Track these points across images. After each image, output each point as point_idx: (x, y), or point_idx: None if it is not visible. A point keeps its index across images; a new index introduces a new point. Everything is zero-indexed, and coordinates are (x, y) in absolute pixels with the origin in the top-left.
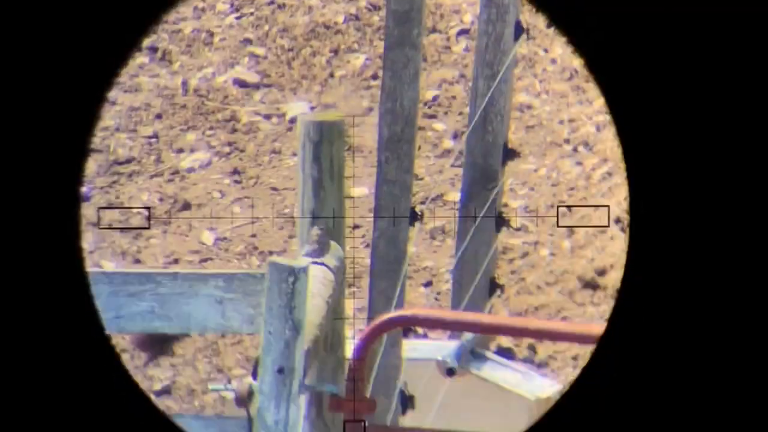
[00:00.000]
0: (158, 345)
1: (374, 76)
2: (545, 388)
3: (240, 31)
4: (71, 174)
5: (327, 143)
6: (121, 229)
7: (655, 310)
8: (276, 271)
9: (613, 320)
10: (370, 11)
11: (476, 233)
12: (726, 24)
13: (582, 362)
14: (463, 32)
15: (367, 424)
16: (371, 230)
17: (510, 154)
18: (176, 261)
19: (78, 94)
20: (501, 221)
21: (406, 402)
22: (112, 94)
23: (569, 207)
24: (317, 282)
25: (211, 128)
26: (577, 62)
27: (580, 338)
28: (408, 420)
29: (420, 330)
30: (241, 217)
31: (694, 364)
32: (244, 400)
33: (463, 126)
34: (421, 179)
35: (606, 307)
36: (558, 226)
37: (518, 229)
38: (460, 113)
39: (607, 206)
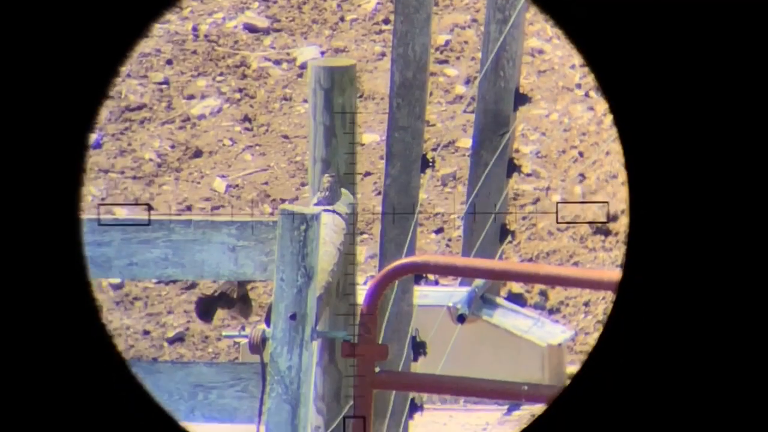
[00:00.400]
0: (210, 309)
1: (386, 21)
2: (556, 334)
3: None
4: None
5: (338, 90)
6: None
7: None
8: (288, 218)
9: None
10: None
11: (487, 179)
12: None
13: (593, 308)
14: None
15: (378, 369)
16: (383, 177)
17: (522, 99)
18: (188, 208)
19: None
20: (512, 167)
21: (418, 348)
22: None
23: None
24: (329, 229)
25: (221, 74)
26: None
27: (591, 284)
28: (419, 366)
29: (431, 277)
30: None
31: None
32: (258, 346)
33: (475, 71)
34: (433, 125)
35: (617, 252)
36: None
37: (529, 175)
38: (472, 58)
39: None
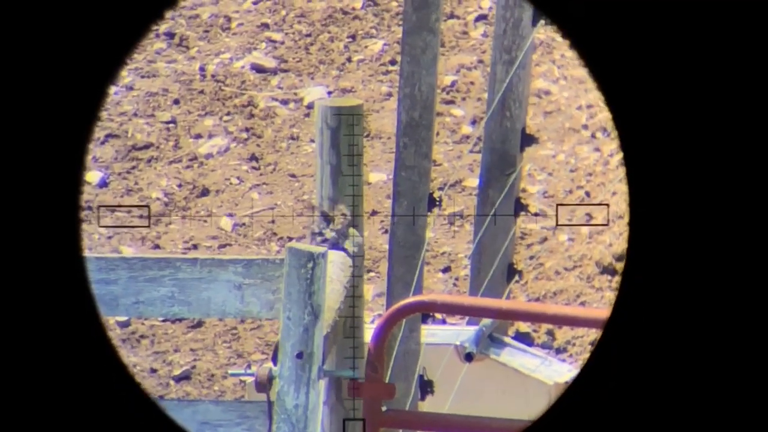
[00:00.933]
0: None
1: (392, 62)
2: (563, 373)
3: (257, 17)
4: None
5: (345, 129)
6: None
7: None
8: (295, 256)
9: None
10: None
11: (494, 219)
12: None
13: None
14: (481, 17)
15: (386, 408)
16: (389, 216)
17: (528, 139)
18: (195, 247)
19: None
20: (519, 207)
21: (425, 387)
22: (130, 79)
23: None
24: (336, 267)
25: (228, 114)
26: None
27: (598, 323)
28: (427, 405)
29: (438, 315)
30: (259, 204)
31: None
32: (264, 384)
33: (482, 112)
34: (440, 165)
35: None
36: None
37: (537, 215)
38: (479, 99)
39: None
